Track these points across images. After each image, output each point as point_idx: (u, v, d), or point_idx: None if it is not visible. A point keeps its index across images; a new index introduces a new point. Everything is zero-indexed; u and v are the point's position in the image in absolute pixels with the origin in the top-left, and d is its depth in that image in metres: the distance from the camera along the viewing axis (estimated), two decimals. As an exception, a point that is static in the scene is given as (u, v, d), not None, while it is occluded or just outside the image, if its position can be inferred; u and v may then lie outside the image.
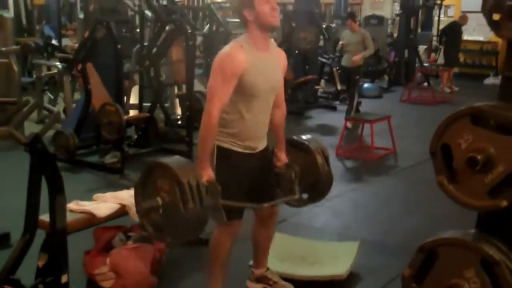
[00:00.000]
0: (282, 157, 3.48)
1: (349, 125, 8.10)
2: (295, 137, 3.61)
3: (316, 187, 3.54)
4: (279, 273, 3.69)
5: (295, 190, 3.45)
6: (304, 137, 3.62)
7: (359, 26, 9.29)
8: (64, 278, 2.99)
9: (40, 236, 3.07)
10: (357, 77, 8.84)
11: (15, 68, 7.39)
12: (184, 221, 2.85)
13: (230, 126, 3.13)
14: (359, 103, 9.14)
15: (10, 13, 8.74)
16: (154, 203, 2.93)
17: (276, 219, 3.54)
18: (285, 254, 3.99)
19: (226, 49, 3.09)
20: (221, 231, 3.24)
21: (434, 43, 15.25)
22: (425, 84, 12.95)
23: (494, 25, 2.55)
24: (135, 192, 3.09)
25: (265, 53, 3.15)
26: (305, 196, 3.55)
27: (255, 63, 3.07)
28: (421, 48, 14.82)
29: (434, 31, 15.99)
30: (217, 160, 3.15)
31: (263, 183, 3.37)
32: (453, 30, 13.01)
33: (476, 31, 14.50)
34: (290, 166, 3.47)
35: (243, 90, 3.06)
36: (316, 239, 4.40)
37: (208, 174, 3.00)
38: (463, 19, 13.05)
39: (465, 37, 13.82)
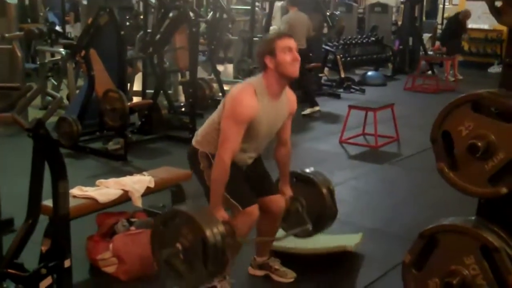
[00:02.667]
0: (287, 192, 3.55)
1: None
2: (299, 171, 3.68)
3: (321, 219, 3.60)
4: (283, 248, 3.76)
5: (306, 221, 3.54)
6: (308, 170, 3.70)
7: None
8: (67, 263, 3.02)
9: (43, 221, 3.09)
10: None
11: (19, 54, 7.39)
12: (204, 266, 2.86)
13: None
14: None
15: (13, -1, 8.72)
16: (174, 249, 2.91)
17: (281, 213, 3.53)
18: (289, 245, 4.02)
19: (240, 91, 3.12)
20: (238, 221, 3.18)
21: (439, 31, 15.19)
22: (429, 72, 12.91)
23: (496, 12, 2.54)
24: (151, 236, 3.07)
25: (276, 100, 3.20)
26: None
27: (265, 111, 3.13)
28: (426, 36, 14.75)
29: (439, 19, 15.92)
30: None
31: (258, 177, 3.43)
32: (455, 22, 12.92)
33: (481, 19, 14.40)
34: (296, 199, 3.56)
35: (245, 133, 3.11)
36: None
37: (222, 215, 3.05)
38: (465, 16, 12.96)
39: (470, 25, 13.73)
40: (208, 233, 2.79)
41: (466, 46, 14.77)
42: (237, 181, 3.16)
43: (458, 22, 12.80)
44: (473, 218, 2.68)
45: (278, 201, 3.47)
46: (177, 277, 2.99)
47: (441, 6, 16.39)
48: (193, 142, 3.33)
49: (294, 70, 3.13)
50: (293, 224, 3.62)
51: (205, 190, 3.29)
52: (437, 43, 14.89)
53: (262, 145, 3.35)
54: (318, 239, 4.12)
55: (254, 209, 3.21)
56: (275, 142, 3.50)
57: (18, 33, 7.54)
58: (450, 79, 12.32)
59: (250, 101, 3.07)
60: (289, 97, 3.36)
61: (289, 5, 8.90)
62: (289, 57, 3.11)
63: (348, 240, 4.11)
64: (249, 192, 3.26)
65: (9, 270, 2.94)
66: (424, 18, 15.12)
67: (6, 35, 7.16)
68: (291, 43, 3.15)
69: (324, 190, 3.55)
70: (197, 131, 3.42)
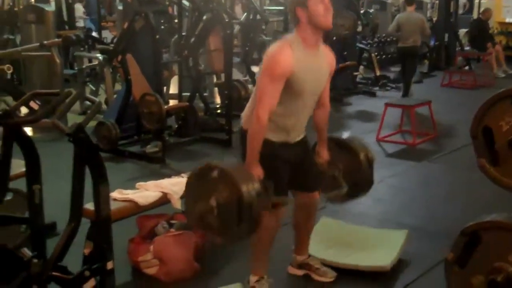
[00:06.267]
0: (324, 155, 3.47)
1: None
2: (338, 136, 3.60)
3: (356, 186, 3.53)
4: (322, 260, 3.70)
5: (342, 184, 3.46)
6: (347, 136, 3.63)
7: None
8: (109, 265, 3.05)
9: (85, 224, 3.14)
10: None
11: (58, 60, 7.52)
12: (237, 224, 2.80)
13: (271, 121, 3.04)
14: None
15: (51, 7, 8.87)
16: (208, 205, 2.86)
17: (317, 207, 3.54)
18: (332, 239, 4.00)
19: (275, 48, 3.03)
20: (266, 215, 3.11)
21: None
22: (466, 68, 12.72)
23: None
24: (186, 190, 3.03)
25: (314, 53, 3.11)
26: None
27: (304, 63, 3.02)
28: (462, 31, 14.54)
29: (475, 14, 15.67)
30: None
31: (303, 171, 3.35)
32: (478, 27, 12.76)
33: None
34: (332, 163, 3.46)
35: (290, 89, 3.03)
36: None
37: (257, 173, 2.99)
38: (486, 13, 12.77)
39: (507, 19, 13.48)
40: (243, 189, 2.72)
41: (504, 41, 14.48)
42: (276, 177, 3.10)
43: (479, 28, 12.64)
44: (516, 214, 2.64)
45: (316, 198, 3.47)
46: (210, 233, 2.96)
47: (476, 1, 16.10)
48: (242, 123, 3.26)
49: (327, 20, 3.04)
50: (328, 189, 3.54)
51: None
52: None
53: (309, 106, 3.22)
54: (363, 239, 4.09)
55: (283, 210, 3.19)
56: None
57: (56, 40, 7.67)
58: (500, 75, 12.07)
59: (285, 53, 2.98)
60: (327, 53, 3.26)
61: (406, 5, 9.99)
62: (321, 7, 3.01)
63: (393, 236, 4.07)
64: (284, 192, 3.22)
65: (53, 273, 2.99)
66: (459, 13, 14.88)
67: (45, 42, 7.28)
68: None
69: (362, 157, 3.45)
70: (243, 112, 3.31)
